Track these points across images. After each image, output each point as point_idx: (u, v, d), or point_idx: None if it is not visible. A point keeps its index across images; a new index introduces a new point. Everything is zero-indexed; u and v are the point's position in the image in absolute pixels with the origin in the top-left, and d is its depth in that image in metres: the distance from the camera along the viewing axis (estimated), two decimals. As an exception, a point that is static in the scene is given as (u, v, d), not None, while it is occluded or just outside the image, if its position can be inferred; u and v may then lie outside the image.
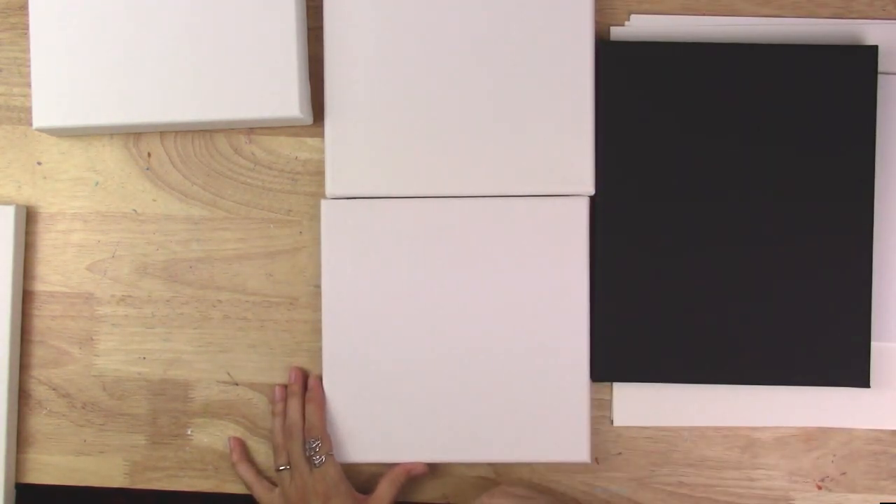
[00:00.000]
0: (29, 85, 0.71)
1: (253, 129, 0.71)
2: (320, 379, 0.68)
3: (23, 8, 0.71)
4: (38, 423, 0.71)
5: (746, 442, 0.69)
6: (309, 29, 0.69)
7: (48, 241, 0.71)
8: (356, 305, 0.67)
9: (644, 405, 0.69)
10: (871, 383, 0.67)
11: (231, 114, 0.66)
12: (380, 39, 0.67)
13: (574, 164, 0.67)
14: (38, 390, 0.71)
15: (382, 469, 0.70)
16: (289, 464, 0.66)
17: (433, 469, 0.70)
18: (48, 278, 0.71)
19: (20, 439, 0.71)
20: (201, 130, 0.71)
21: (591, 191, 0.67)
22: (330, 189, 0.68)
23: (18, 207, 0.70)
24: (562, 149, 0.67)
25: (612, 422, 0.70)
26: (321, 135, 0.70)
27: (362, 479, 0.70)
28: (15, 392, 0.70)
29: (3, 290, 0.69)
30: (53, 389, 0.71)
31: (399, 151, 0.67)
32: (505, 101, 0.67)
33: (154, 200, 0.71)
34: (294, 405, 0.67)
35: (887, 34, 0.69)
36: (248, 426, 0.71)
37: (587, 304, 0.67)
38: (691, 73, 0.67)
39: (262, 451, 0.70)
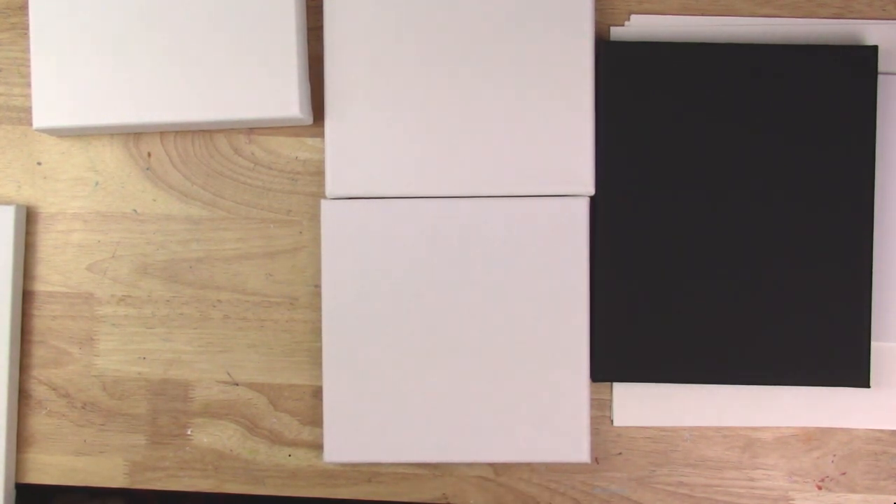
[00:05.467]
0: (29, 85, 0.71)
1: (253, 129, 0.71)
2: None
3: (23, 8, 0.71)
4: (38, 423, 0.71)
5: (746, 442, 0.69)
6: (309, 29, 0.69)
7: (48, 241, 0.71)
8: (356, 305, 0.67)
9: (644, 405, 0.69)
10: (871, 383, 0.67)
11: (231, 114, 0.66)
12: (380, 39, 0.67)
13: (574, 164, 0.67)
14: (38, 390, 0.71)
15: (382, 469, 0.70)
16: None
17: (433, 469, 0.70)
18: (48, 278, 0.71)
19: (20, 439, 0.71)
20: (201, 130, 0.71)
21: (591, 191, 0.67)
22: (330, 189, 0.68)
23: (18, 207, 0.70)
24: (562, 149, 0.67)
25: (612, 422, 0.70)
26: (321, 135, 0.70)
27: (362, 479, 0.70)
28: (15, 392, 0.70)
29: (3, 290, 0.69)
30: (53, 389, 0.71)
31: (399, 151, 0.67)
32: (505, 101, 0.67)
33: (154, 200, 0.71)
34: None
35: (887, 34, 0.69)
36: (248, 426, 0.71)
37: (587, 304, 0.67)
38: (691, 73, 0.67)
39: (261, 451, 0.71)
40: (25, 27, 0.71)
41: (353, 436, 0.67)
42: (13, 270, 0.69)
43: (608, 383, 0.70)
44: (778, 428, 0.69)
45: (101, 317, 0.71)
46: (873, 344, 0.68)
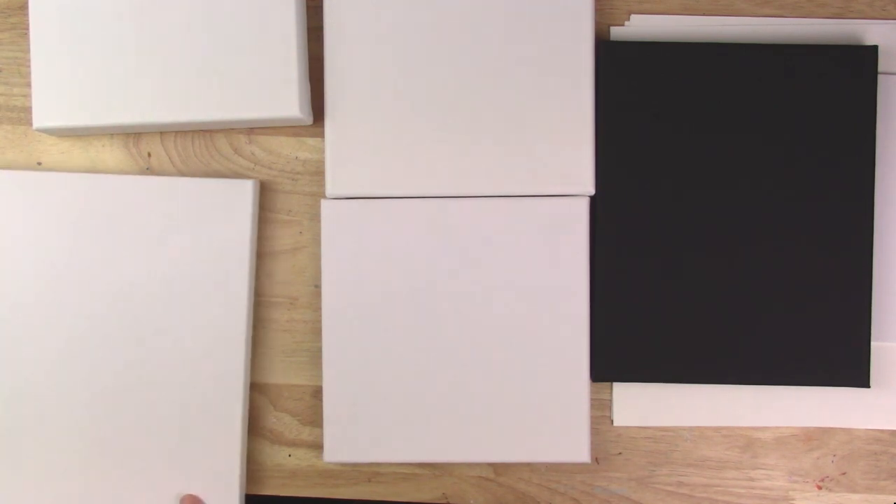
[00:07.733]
0: (29, 85, 0.71)
1: (253, 129, 0.71)
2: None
3: (23, 8, 0.71)
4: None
5: (746, 442, 0.69)
6: (309, 29, 0.69)
7: (48, 241, 0.71)
8: (356, 305, 0.67)
9: (644, 405, 0.69)
10: (871, 383, 0.67)
11: (231, 114, 0.66)
12: (380, 39, 0.67)
13: (574, 164, 0.67)
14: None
15: (382, 469, 0.70)
16: None
17: (433, 469, 0.70)
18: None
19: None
20: (201, 130, 0.71)
21: (591, 191, 0.67)
22: (330, 189, 0.68)
23: (255, 182, 0.68)
24: (562, 149, 0.67)
25: (612, 422, 0.70)
26: (321, 135, 0.70)
27: (362, 479, 0.70)
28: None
29: (241, 256, 0.68)
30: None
31: (399, 151, 0.67)
32: (505, 101, 0.67)
33: (154, 200, 0.71)
34: None
35: (887, 34, 0.69)
36: (248, 426, 0.71)
37: (587, 304, 0.67)
38: (691, 73, 0.67)
39: (261, 451, 0.70)
40: (25, 27, 0.71)
41: (353, 436, 0.67)
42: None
43: (608, 383, 0.70)
44: (778, 428, 0.69)
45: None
46: (873, 344, 0.68)
